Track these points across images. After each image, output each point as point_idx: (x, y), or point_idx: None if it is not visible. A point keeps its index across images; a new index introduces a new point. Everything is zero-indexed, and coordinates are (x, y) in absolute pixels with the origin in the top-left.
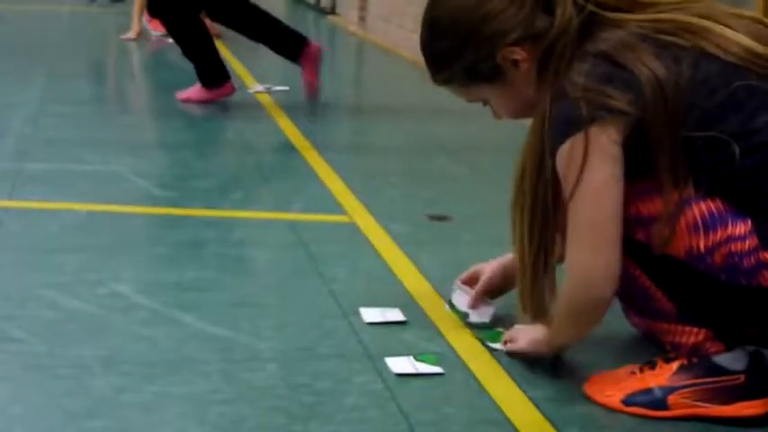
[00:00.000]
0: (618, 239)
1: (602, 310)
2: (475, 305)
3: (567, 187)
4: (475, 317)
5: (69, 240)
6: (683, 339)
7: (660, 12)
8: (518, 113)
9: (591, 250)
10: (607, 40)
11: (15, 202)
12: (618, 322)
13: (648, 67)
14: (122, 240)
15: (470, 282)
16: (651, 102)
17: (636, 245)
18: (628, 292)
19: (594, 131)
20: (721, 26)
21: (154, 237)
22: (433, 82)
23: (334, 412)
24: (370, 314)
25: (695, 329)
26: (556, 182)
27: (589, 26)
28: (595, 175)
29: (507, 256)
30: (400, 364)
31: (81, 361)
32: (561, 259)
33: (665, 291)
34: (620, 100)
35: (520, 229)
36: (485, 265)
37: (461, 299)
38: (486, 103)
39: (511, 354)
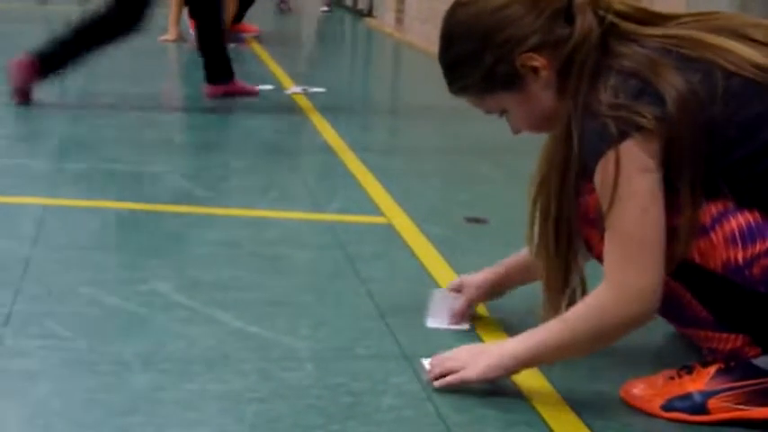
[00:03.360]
0: (662, 258)
1: (633, 329)
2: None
3: (603, 206)
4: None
5: (109, 238)
6: (721, 345)
7: (681, 23)
8: (537, 125)
9: (636, 269)
10: (627, 55)
11: (56, 200)
12: (654, 326)
13: (672, 83)
14: (161, 239)
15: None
16: (676, 119)
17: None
18: (662, 303)
19: (625, 148)
20: (735, 42)
21: (192, 236)
22: (450, 91)
23: (370, 412)
24: (436, 320)
25: (732, 336)
26: (577, 195)
27: (608, 39)
28: (634, 192)
29: (494, 270)
30: None
31: (121, 358)
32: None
33: (700, 300)
34: (648, 116)
35: (544, 241)
36: (471, 279)
37: (440, 305)
38: (503, 113)
39: (447, 384)
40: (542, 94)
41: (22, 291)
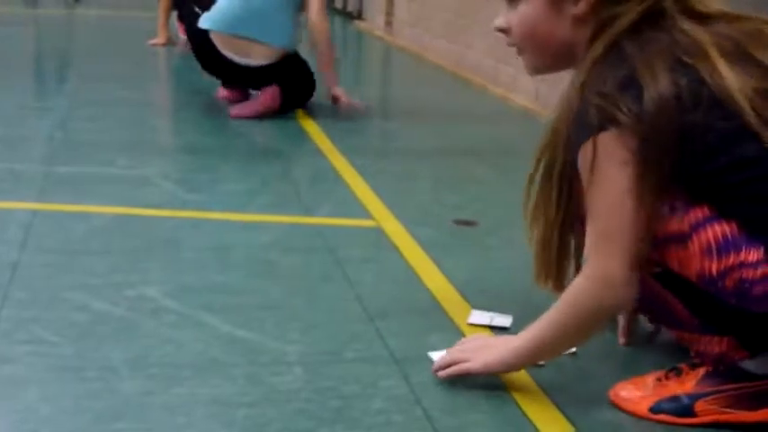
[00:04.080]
0: (634, 249)
1: (611, 316)
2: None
3: (585, 190)
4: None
5: (98, 243)
6: (708, 348)
7: (728, 22)
8: (530, 46)
9: (604, 255)
10: (640, 41)
11: (44, 204)
12: (641, 328)
13: (657, 83)
14: (150, 243)
15: None
16: (651, 120)
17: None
18: (649, 305)
19: (602, 139)
20: (729, 65)
21: (181, 240)
22: None
23: (359, 416)
24: (478, 317)
25: (718, 338)
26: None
27: (643, 16)
28: (607, 182)
29: None
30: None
31: (109, 363)
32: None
33: (685, 304)
34: (626, 112)
35: (545, 198)
36: None
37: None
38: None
39: (449, 374)
40: (565, 21)
41: (10, 296)
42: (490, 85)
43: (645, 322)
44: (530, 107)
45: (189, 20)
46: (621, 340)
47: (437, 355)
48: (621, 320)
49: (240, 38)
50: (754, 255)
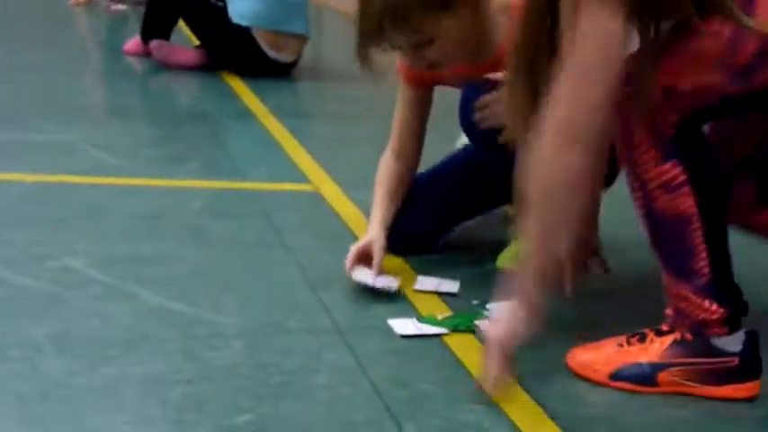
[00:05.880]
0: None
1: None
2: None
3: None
4: (381, 283)
5: (18, 213)
6: (695, 312)
7: None
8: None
9: (604, 10)
10: None
11: None
12: (599, 287)
13: None
14: (74, 212)
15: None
16: None
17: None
18: (667, 241)
19: None
20: None
21: (108, 208)
22: None
23: (304, 391)
24: (425, 283)
25: (713, 308)
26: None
27: None
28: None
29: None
30: (404, 326)
31: (31, 341)
32: None
33: (710, 251)
34: None
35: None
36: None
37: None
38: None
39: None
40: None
41: None
42: None
43: (595, 268)
44: None
45: (210, 13)
46: (567, 289)
47: (398, 324)
48: (567, 268)
49: (280, 33)
50: None
